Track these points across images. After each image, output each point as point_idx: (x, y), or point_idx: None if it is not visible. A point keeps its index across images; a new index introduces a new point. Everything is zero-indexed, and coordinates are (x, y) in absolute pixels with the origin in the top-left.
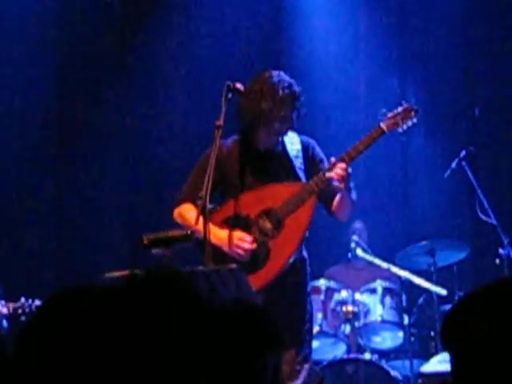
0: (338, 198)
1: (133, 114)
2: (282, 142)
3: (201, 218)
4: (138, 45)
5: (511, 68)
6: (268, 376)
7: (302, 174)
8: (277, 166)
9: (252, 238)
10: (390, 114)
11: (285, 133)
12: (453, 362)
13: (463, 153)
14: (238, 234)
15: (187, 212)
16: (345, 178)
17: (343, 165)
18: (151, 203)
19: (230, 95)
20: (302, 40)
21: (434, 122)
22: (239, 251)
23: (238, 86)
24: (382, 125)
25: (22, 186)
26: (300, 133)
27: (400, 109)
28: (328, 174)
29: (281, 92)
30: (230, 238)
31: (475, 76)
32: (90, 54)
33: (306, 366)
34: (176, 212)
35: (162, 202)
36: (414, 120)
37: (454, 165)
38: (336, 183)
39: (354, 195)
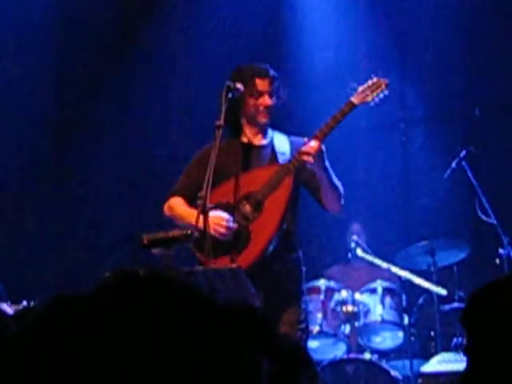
0: (321, 184)
1: (133, 111)
2: (271, 139)
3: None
4: (138, 42)
5: (511, 68)
6: (263, 379)
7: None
8: (262, 160)
9: (228, 216)
10: (360, 88)
11: (266, 116)
12: (470, 343)
13: (463, 153)
14: (219, 213)
15: (175, 204)
16: (315, 154)
17: (314, 142)
18: (151, 202)
19: (230, 95)
20: (302, 40)
21: (434, 121)
22: (221, 230)
23: (238, 85)
24: (352, 99)
25: (20, 186)
26: (299, 130)
27: (370, 82)
28: (299, 150)
29: (253, 70)
30: (212, 217)
31: (475, 76)
32: (90, 50)
33: None
34: (165, 206)
35: (162, 201)
36: (386, 92)
37: (454, 165)
38: (307, 158)
39: (337, 182)
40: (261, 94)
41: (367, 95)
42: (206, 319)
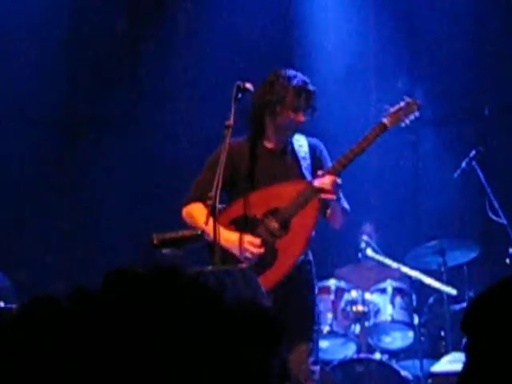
0: (330, 207)
1: (142, 111)
2: (291, 143)
3: (211, 218)
4: (148, 41)
5: None
6: (274, 377)
7: (308, 175)
8: (284, 166)
9: (261, 241)
10: (392, 110)
11: (294, 130)
12: (469, 349)
13: (473, 152)
14: (247, 237)
15: (196, 211)
16: (333, 190)
17: (332, 177)
18: (160, 202)
19: (239, 95)
20: (311, 41)
21: (444, 121)
22: (248, 254)
23: (248, 85)
24: (385, 120)
25: (29, 185)
26: (310, 131)
27: (402, 103)
28: (316, 186)
29: (294, 82)
30: (240, 240)
31: (485, 75)
32: (100, 49)
33: (318, 368)
34: (184, 211)
35: (171, 201)
36: (417, 114)
37: (463, 164)
38: (325, 195)
39: (345, 204)
40: (299, 109)
41: (400, 118)
42: (209, 319)
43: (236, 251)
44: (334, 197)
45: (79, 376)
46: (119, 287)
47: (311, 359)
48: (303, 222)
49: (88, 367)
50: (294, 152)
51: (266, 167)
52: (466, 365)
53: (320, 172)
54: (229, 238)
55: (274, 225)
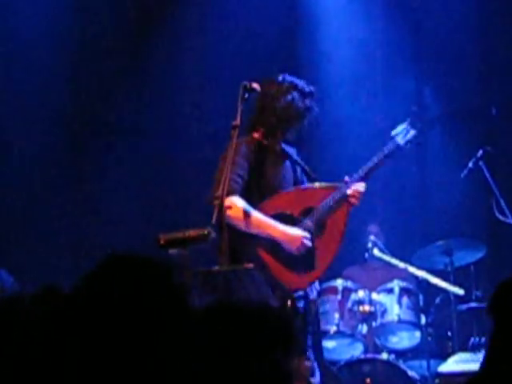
0: None
1: (148, 111)
2: (288, 149)
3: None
4: (152, 45)
5: None
6: (280, 374)
7: (314, 176)
8: (288, 168)
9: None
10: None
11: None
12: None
13: (480, 152)
14: (303, 233)
15: (237, 203)
16: (360, 197)
17: (363, 184)
18: (165, 202)
19: (246, 95)
20: (318, 40)
21: (451, 121)
22: (301, 248)
23: (255, 85)
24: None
25: (35, 188)
26: (316, 134)
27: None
28: (350, 192)
29: (305, 87)
30: (296, 235)
31: (492, 75)
32: (104, 53)
33: (316, 365)
34: (229, 206)
35: (178, 201)
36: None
37: (470, 164)
38: (353, 201)
39: None
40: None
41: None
42: (209, 319)
43: (288, 244)
44: (357, 203)
45: (79, 378)
46: (119, 284)
47: (312, 356)
48: (336, 223)
49: (87, 369)
50: (289, 155)
51: (279, 168)
52: (485, 358)
53: (347, 178)
54: (286, 230)
55: (310, 224)
